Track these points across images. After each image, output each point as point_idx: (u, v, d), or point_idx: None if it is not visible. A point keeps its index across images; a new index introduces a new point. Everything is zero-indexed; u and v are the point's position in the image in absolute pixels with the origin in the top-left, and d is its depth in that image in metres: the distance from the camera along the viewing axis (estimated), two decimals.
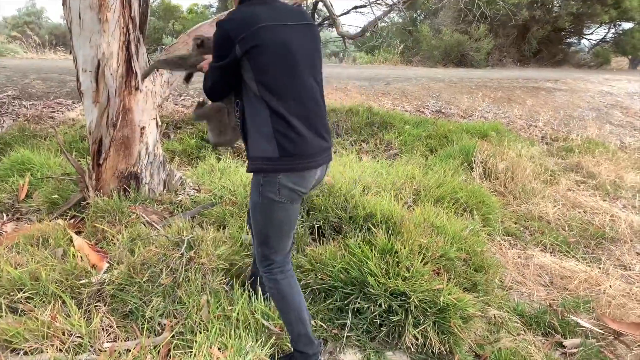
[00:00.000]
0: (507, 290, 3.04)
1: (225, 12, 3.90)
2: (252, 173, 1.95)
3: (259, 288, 2.48)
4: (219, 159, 4.58)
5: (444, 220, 3.13)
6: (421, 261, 2.62)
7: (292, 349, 2.13)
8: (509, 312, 2.75)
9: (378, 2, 5.05)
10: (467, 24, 14.45)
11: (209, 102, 2.26)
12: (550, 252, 3.66)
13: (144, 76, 3.32)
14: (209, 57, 2.10)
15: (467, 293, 2.63)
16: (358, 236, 2.86)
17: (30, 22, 19.80)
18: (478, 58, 14.76)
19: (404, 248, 2.66)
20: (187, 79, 2.61)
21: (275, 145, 1.85)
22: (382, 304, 2.41)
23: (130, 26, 3.19)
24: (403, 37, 16.74)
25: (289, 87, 1.87)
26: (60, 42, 17.62)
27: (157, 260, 2.55)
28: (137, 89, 3.27)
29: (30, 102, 6.78)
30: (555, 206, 4.38)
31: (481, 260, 2.95)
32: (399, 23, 17.89)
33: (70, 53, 3.25)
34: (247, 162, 2.00)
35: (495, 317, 2.67)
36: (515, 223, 4.10)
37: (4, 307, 2.25)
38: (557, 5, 16.27)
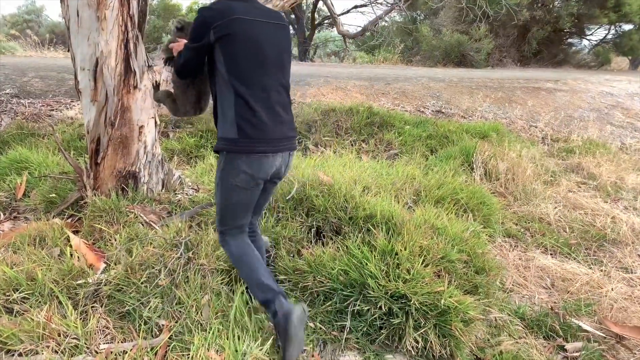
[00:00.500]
0: (508, 293, 3.01)
1: None
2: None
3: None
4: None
5: (444, 221, 3.10)
6: (422, 263, 2.59)
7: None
8: (510, 315, 2.72)
9: (378, 1, 5.02)
10: (468, 24, 14.43)
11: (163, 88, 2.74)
12: (552, 254, 3.64)
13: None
14: (182, 41, 2.34)
15: (468, 295, 2.60)
16: (358, 237, 2.83)
17: (29, 20, 19.77)
18: (478, 58, 14.74)
19: (405, 250, 2.64)
20: (166, 61, 2.84)
21: (236, 128, 2.03)
22: (382, 306, 2.38)
23: (129, 24, 3.15)
24: (403, 36, 16.72)
25: (255, 77, 2.05)
26: (59, 40, 17.60)
27: (155, 261, 2.53)
28: (135, 87, 3.24)
29: (29, 101, 6.75)
30: (556, 207, 4.36)
31: (482, 262, 2.92)
32: (399, 23, 17.87)
33: (69, 51, 3.21)
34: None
35: (496, 319, 2.65)
36: (516, 224, 4.07)
37: None
38: (558, 5, 16.25)
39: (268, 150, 2.06)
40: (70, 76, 7.57)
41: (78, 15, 3.02)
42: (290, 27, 19.90)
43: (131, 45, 3.18)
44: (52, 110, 6.56)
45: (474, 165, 4.77)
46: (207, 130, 5.46)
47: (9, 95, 6.81)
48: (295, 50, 19.66)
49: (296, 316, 2.05)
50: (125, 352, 2.02)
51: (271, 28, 2.12)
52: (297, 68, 10.86)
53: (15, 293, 2.32)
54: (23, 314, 2.17)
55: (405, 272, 2.51)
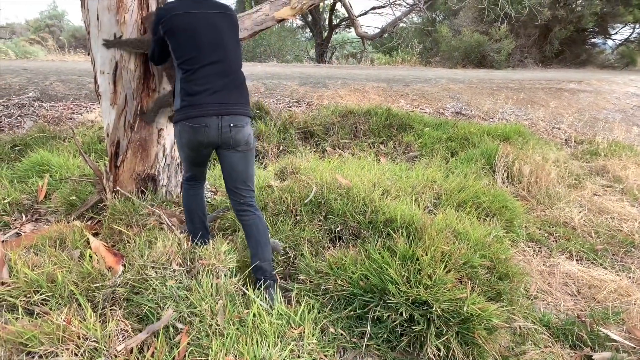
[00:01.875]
0: (532, 300, 2.93)
1: (250, 15, 3.86)
2: None
3: (277, 292, 2.44)
4: None
5: (466, 226, 3.03)
6: (444, 269, 2.53)
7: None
8: (534, 323, 2.64)
9: (397, 2, 4.98)
10: (488, 24, 14.25)
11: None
12: (577, 260, 3.53)
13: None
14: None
15: (492, 302, 2.53)
16: (378, 242, 2.79)
17: (51, 25, 20.13)
18: (499, 59, 14.55)
19: (426, 255, 2.58)
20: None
21: (180, 99, 2.47)
22: (403, 312, 2.33)
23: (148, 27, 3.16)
24: (421, 37, 16.60)
25: (194, 58, 2.44)
26: (80, 44, 17.92)
27: (167, 263, 2.52)
28: (154, 90, 3.24)
29: (50, 104, 6.86)
30: (580, 212, 4.24)
31: (505, 268, 2.85)
32: (417, 24, 17.75)
33: (89, 55, 3.23)
34: None
35: (520, 327, 2.57)
36: (540, 229, 3.97)
37: (20, 309, 2.24)
38: (581, 4, 15.95)
39: (198, 115, 2.41)
40: (90, 80, 7.68)
41: (98, 19, 3.03)
42: (308, 30, 19.93)
43: None
44: (73, 113, 6.65)
45: (496, 168, 4.68)
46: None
47: (31, 98, 6.92)
48: (312, 52, 19.66)
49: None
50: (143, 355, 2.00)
51: (210, 16, 2.50)
52: (314, 70, 10.85)
53: (35, 295, 2.34)
54: (43, 315, 2.17)
55: (427, 278, 2.45)
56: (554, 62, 16.17)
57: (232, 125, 2.45)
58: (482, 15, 12.33)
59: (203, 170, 2.78)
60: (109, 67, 3.11)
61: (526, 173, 4.57)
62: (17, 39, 17.85)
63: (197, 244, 2.73)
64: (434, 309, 2.30)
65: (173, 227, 3.04)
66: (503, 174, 4.61)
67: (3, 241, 2.90)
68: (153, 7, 3.19)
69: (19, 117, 6.36)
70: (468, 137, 5.74)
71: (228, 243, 2.76)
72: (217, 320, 2.22)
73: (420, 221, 2.92)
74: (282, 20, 3.92)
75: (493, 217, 3.54)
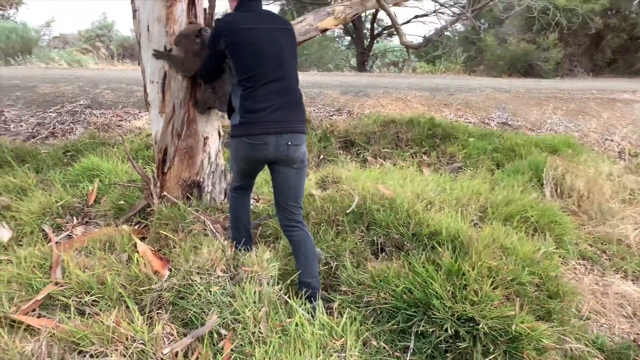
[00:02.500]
0: (584, 321, 2.80)
1: (294, 25, 3.91)
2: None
3: (319, 303, 2.43)
4: None
5: (514, 241, 2.94)
6: (490, 285, 2.46)
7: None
8: (587, 345, 2.52)
9: (440, 10, 4.93)
10: (535, 32, 13.87)
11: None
12: (632, 280, 3.36)
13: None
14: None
15: (541, 322, 2.44)
16: (422, 255, 2.73)
17: (102, 35, 20.94)
18: (547, 68, 14.12)
19: (472, 270, 2.51)
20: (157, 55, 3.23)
21: (239, 116, 2.46)
22: (448, 328, 2.27)
23: None
24: (466, 46, 16.35)
25: (257, 76, 2.41)
26: (128, 53, 18.55)
27: (211, 269, 2.55)
28: None
29: (100, 111, 7.13)
30: (636, 229, 4.03)
31: (556, 286, 2.74)
32: (462, 32, 17.50)
33: (139, 64, 3.34)
34: None
35: (572, 349, 2.46)
36: (591, 246, 3.80)
37: (72, 309, 2.31)
38: (635, 12, 15.31)
39: (259, 133, 2.41)
40: (138, 88, 7.95)
41: (148, 30, 3.13)
42: (348, 38, 19.96)
43: None
44: (122, 120, 6.89)
45: (544, 181, 4.52)
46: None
47: (82, 106, 7.22)
48: (353, 61, 19.66)
49: None
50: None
51: (272, 32, 2.47)
52: (355, 79, 10.85)
53: (86, 296, 2.41)
54: (94, 316, 2.24)
55: (473, 294, 2.38)
56: (605, 71, 15.55)
57: (289, 143, 2.44)
58: (529, 23, 12.01)
59: (252, 181, 2.84)
60: (158, 77, 3.20)
61: (577, 187, 4.39)
62: (69, 48, 18.68)
63: (240, 250, 2.76)
64: (480, 326, 2.23)
65: (217, 233, 3.09)
66: (552, 188, 4.45)
67: (57, 243, 3.01)
68: (201, 19, 3.27)
69: (71, 124, 6.64)
70: (514, 148, 5.59)
71: (270, 251, 2.77)
72: (260, 328, 2.23)
73: (466, 235, 2.85)
74: (325, 30, 3.95)
75: (542, 232, 3.42)
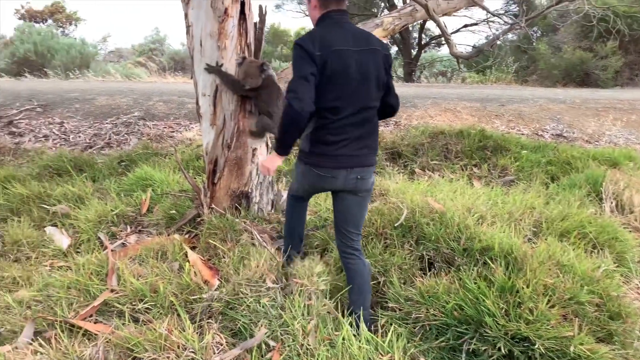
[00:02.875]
0: None
1: None
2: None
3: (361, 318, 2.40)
4: None
5: (571, 258, 2.81)
6: (546, 303, 2.35)
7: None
8: None
9: (491, 19, 4.82)
10: (593, 40, 13.34)
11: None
12: None
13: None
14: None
15: (602, 344, 2.31)
16: (473, 271, 2.65)
17: (154, 49, 21.80)
18: (605, 77, 13.54)
19: (527, 287, 2.41)
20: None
21: (310, 143, 2.31)
22: (502, 347, 2.18)
23: (246, 52, 3.31)
24: (517, 55, 15.93)
25: (340, 108, 2.20)
26: (178, 66, 19.22)
27: (260, 280, 2.57)
28: (250, 112, 3.37)
29: (153, 123, 7.39)
30: None
31: (617, 307, 2.58)
32: (513, 41, 17.09)
33: (191, 78, 3.44)
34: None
35: None
36: None
37: (127, 316, 2.39)
38: None
39: (330, 167, 2.29)
40: (189, 100, 8.20)
41: (201, 45, 3.22)
42: (395, 48, 19.88)
43: None
44: (173, 131, 7.12)
45: (603, 196, 4.31)
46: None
47: (136, 117, 7.51)
48: (399, 71, 19.57)
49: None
50: None
51: (362, 56, 2.20)
52: (402, 89, 10.76)
53: (140, 303, 2.48)
54: (147, 323, 2.30)
55: (528, 312, 2.29)
56: None
57: (359, 177, 2.32)
58: (585, 30, 11.55)
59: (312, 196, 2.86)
60: (210, 90, 3.29)
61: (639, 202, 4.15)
62: (124, 62, 19.55)
63: (290, 256, 2.79)
64: (536, 347, 2.14)
65: (265, 244, 3.12)
66: (611, 203, 4.23)
67: (112, 250, 3.13)
68: (251, 33, 3.33)
69: (125, 135, 6.92)
70: (570, 161, 5.37)
71: (322, 264, 2.76)
72: (308, 340, 2.22)
73: (519, 250, 2.75)
74: None
75: (601, 249, 3.25)
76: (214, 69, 3.20)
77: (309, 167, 2.35)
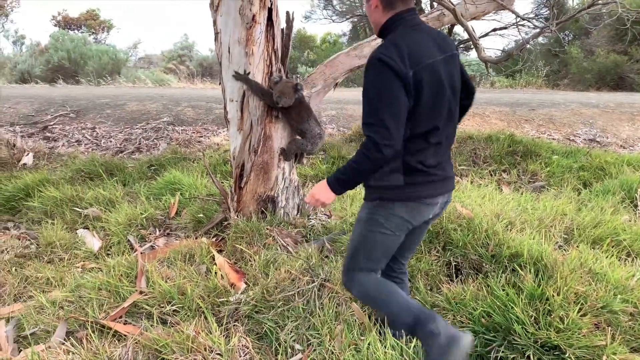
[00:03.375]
0: None
1: (369, 42, 3.91)
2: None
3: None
4: None
5: (604, 265, 2.73)
6: (578, 312, 2.29)
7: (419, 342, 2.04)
8: None
9: (521, 23, 4.74)
10: (627, 43, 13.00)
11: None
12: None
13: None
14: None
15: (636, 354, 2.24)
16: (502, 277, 2.61)
17: (183, 55, 22.19)
18: None
19: (558, 295, 2.36)
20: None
21: (402, 175, 1.88)
22: (531, 356, 2.14)
23: (273, 58, 3.34)
24: (548, 59, 15.63)
25: (430, 122, 1.84)
26: (207, 72, 19.51)
27: (290, 284, 2.58)
28: (277, 117, 3.40)
29: (182, 128, 7.53)
30: None
31: None
32: (544, 44, 16.79)
33: (220, 84, 3.50)
34: (365, 192, 2.03)
35: None
36: None
37: (155, 317, 2.43)
38: None
39: (434, 194, 1.93)
40: (216, 106, 8.32)
41: (229, 51, 3.27)
42: None
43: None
44: (201, 136, 7.23)
45: (638, 203, 4.18)
46: (339, 157, 5.57)
47: (165, 123, 7.66)
48: None
49: (465, 343, 1.82)
50: None
51: (448, 65, 1.86)
52: None
53: (168, 305, 2.52)
54: (175, 325, 2.33)
55: (558, 321, 2.23)
56: None
57: (446, 202, 2.07)
58: (619, 34, 11.25)
59: (387, 260, 2.14)
60: (237, 96, 3.34)
61: None
62: (154, 68, 19.97)
63: (439, 343, 1.85)
64: (567, 355, 2.09)
65: (288, 247, 3.14)
66: None
67: (141, 253, 3.19)
68: (278, 40, 3.37)
69: (155, 140, 7.07)
70: (604, 166, 5.23)
71: None
72: (334, 345, 2.22)
73: (550, 258, 2.68)
74: None
75: (636, 257, 3.15)
76: (241, 77, 3.25)
77: (405, 203, 1.91)
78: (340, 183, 1.89)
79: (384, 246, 2.01)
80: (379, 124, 1.70)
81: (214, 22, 3.33)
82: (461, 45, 19.12)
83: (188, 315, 2.46)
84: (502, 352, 2.22)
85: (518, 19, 4.49)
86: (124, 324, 2.45)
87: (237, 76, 3.26)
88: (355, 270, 2.10)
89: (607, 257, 2.93)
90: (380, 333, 2.31)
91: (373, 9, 1.89)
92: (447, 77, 1.84)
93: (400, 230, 1.96)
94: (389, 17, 1.86)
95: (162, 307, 2.52)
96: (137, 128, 7.47)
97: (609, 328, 2.31)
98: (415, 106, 1.76)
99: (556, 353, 2.13)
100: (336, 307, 2.43)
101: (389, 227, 1.94)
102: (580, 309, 2.32)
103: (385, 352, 2.17)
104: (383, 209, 1.93)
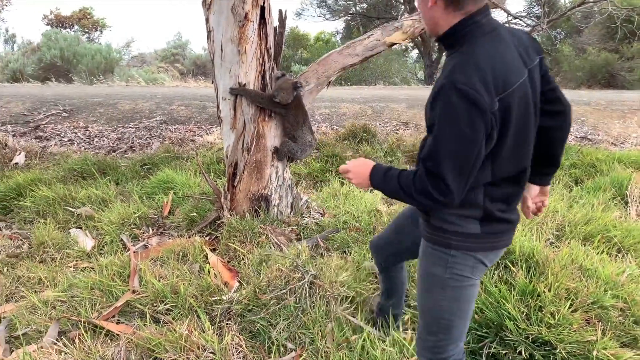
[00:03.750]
0: None
1: (361, 41, 3.90)
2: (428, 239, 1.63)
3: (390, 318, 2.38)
4: (342, 184, 4.60)
5: (594, 262, 2.76)
6: (569, 307, 2.32)
7: None
8: None
9: (512, 22, 4.75)
10: (618, 41, 13.10)
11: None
12: None
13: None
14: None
15: (626, 349, 2.26)
16: (494, 274, 2.63)
17: (176, 54, 22.09)
18: (631, 78, 13.28)
19: (549, 291, 2.38)
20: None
21: (480, 220, 1.51)
22: (523, 351, 2.16)
23: (266, 57, 3.34)
24: None
25: (518, 162, 1.49)
26: (200, 71, 19.44)
27: (282, 283, 2.58)
28: (270, 116, 3.40)
29: (175, 127, 7.50)
30: None
31: None
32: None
33: (212, 82, 3.49)
34: (427, 229, 1.63)
35: None
36: None
37: (148, 316, 2.43)
38: None
39: (511, 237, 1.65)
40: (210, 104, 8.30)
41: (222, 50, 3.26)
42: (415, 51, 19.81)
43: (268, 76, 3.36)
44: (194, 135, 7.21)
45: (629, 199, 4.21)
46: (332, 155, 5.57)
47: (158, 121, 7.63)
48: (420, 74, 19.47)
49: None
50: None
51: (532, 80, 1.45)
52: (422, 92, 10.71)
53: (161, 304, 2.52)
54: (168, 324, 2.34)
55: (549, 316, 2.25)
56: None
57: None
58: (610, 32, 11.33)
59: None
60: (230, 94, 3.33)
61: None
62: (147, 67, 19.87)
63: None
64: (557, 351, 2.11)
65: (281, 245, 3.14)
66: (637, 206, 4.13)
67: (134, 252, 3.18)
68: (271, 38, 3.36)
69: (148, 139, 7.04)
70: (595, 164, 5.27)
71: (345, 269, 2.75)
72: (326, 344, 2.23)
73: (541, 254, 2.71)
74: (392, 45, 3.93)
75: (626, 253, 3.18)
76: (239, 90, 3.26)
77: (486, 253, 1.57)
78: (380, 186, 1.56)
79: (474, 298, 1.65)
80: (440, 176, 1.35)
81: (207, 21, 3.32)
82: None
83: (181, 314, 2.46)
84: (494, 348, 2.24)
85: (510, 17, 4.50)
86: (117, 323, 2.45)
87: (234, 91, 3.27)
88: (450, 344, 1.67)
89: (597, 253, 2.96)
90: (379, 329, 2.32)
91: (430, 6, 1.45)
92: (533, 96, 1.44)
93: (482, 273, 1.63)
94: (456, 20, 1.43)
95: (155, 306, 2.52)
96: (130, 127, 7.44)
97: (600, 323, 2.33)
98: (499, 145, 1.39)
99: (547, 348, 2.15)
100: (326, 306, 2.44)
101: (476, 274, 1.59)
102: (571, 305, 2.35)
103: (385, 349, 2.18)
104: (462, 257, 1.55)
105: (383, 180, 1.55)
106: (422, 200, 1.41)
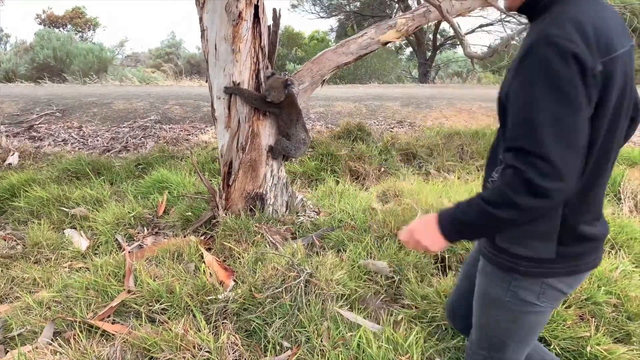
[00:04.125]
0: None
1: (355, 39, 3.90)
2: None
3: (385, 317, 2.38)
4: (337, 182, 4.61)
5: None
6: (563, 304, 2.34)
7: None
8: None
9: (506, 19, 4.77)
10: None
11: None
12: None
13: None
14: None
15: (620, 344, 2.29)
16: None
17: (170, 53, 22.03)
18: None
19: None
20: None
21: (556, 243, 1.25)
22: None
23: (260, 55, 3.33)
24: None
25: (608, 149, 1.19)
26: (194, 70, 19.39)
27: (277, 281, 2.59)
28: (265, 114, 3.40)
29: (169, 126, 7.48)
30: None
31: (636, 307, 2.55)
32: None
33: (207, 81, 3.48)
34: (489, 247, 1.39)
35: None
36: None
37: (144, 316, 2.42)
38: None
39: (599, 259, 1.36)
40: (204, 103, 8.28)
41: (216, 49, 3.26)
42: (409, 49, 19.83)
43: (262, 75, 3.35)
44: (189, 134, 7.19)
45: (622, 196, 4.25)
46: (327, 154, 5.57)
47: (153, 121, 7.60)
48: (414, 72, 19.50)
49: None
50: None
51: (632, 61, 1.18)
52: (417, 90, 10.74)
53: (156, 304, 2.52)
54: (163, 324, 2.33)
55: None
56: None
57: None
58: None
59: None
60: (224, 93, 3.33)
61: None
62: (141, 66, 19.80)
63: None
64: (552, 347, 2.14)
65: (276, 244, 3.14)
66: (630, 203, 4.17)
67: (129, 252, 3.17)
68: (265, 37, 3.36)
69: (142, 138, 7.01)
70: None
71: (340, 267, 2.76)
72: (321, 341, 2.23)
73: None
74: (386, 43, 3.94)
75: (619, 249, 3.21)
76: (233, 89, 3.26)
77: (560, 278, 1.31)
78: (458, 227, 1.23)
79: (540, 325, 1.44)
80: (538, 151, 1.04)
81: (200, 20, 3.32)
82: (448, 42, 19.22)
83: (177, 314, 2.46)
84: None
85: (503, 15, 4.52)
86: (112, 323, 2.44)
87: (228, 90, 3.27)
88: None
89: None
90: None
91: None
92: (630, 83, 1.17)
93: (558, 301, 1.39)
94: None
95: (151, 305, 2.52)
96: (124, 127, 7.41)
97: (593, 319, 2.36)
98: (592, 125, 1.10)
99: (542, 344, 2.17)
100: (322, 304, 2.44)
101: (543, 301, 1.33)
102: (565, 301, 2.37)
103: (380, 346, 2.19)
104: (528, 282, 1.31)
105: (458, 218, 1.22)
106: (526, 200, 1.05)
